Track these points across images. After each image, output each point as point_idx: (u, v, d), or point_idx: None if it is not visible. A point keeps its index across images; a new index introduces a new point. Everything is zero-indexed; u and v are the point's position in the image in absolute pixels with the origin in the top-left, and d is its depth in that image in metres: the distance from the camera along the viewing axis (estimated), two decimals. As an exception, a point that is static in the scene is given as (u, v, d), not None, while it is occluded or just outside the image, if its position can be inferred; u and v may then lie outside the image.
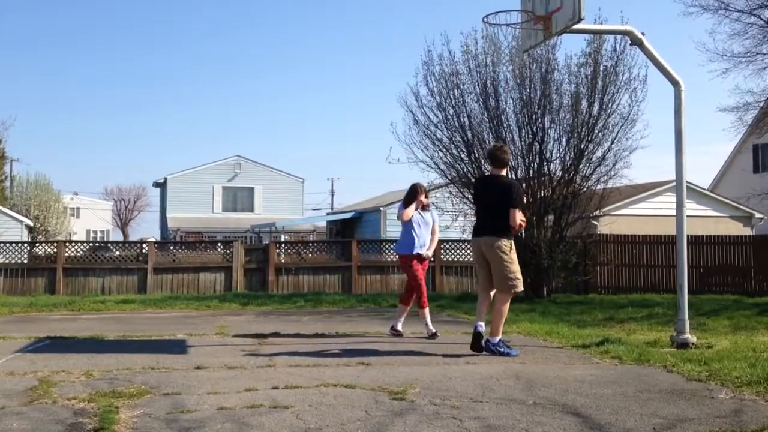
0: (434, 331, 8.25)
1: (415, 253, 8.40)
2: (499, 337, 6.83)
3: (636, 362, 6.36)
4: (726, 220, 22.03)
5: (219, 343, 7.88)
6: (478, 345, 6.73)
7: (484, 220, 6.96)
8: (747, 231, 21.64)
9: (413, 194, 8.51)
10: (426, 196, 8.65)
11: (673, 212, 7.90)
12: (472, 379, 5.57)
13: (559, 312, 11.59)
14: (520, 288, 6.87)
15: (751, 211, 22.36)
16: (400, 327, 8.45)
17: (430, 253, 8.63)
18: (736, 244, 16.55)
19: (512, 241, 6.89)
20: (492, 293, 6.99)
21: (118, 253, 18.44)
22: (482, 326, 6.77)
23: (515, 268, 6.84)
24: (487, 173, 7.41)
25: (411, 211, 8.41)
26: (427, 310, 8.42)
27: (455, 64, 14.36)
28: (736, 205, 22.74)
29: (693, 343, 7.34)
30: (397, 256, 9.00)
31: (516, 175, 14.18)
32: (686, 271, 7.75)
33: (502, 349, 6.73)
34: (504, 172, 7.05)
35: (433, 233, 8.60)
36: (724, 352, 6.85)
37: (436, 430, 4.07)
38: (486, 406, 4.65)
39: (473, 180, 7.41)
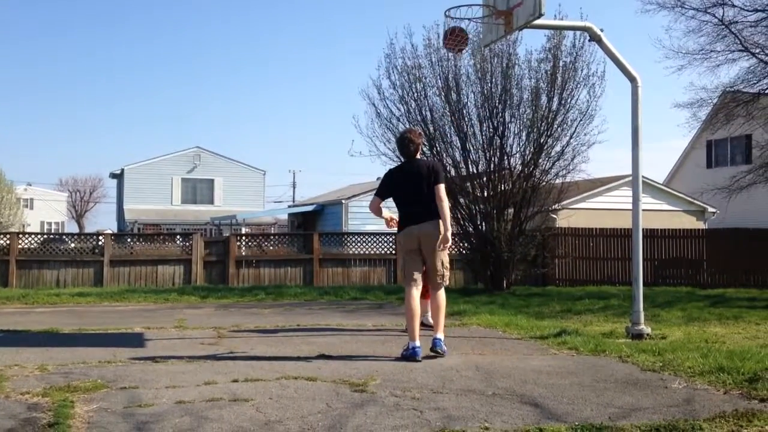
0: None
1: None
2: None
3: (592, 353, 6.48)
4: (680, 214, 22.54)
5: (178, 337, 7.79)
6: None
7: (417, 207, 6.31)
8: (700, 225, 22.19)
9: None
10: None
11: (630, 206, 8.06)
12: (432, 370, 5.61)
13: (518, 304, 11.73)
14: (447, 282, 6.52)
15: (704, 205, 22.90)
16: (431, 321, 7.73)
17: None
18: (690, 237, 16.96)
19: None
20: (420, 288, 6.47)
21: (73, 245, 18.04)
22: (434, 334, 6.27)
23: (448, 259, 6.54)
24: (400, 163, 6.81)
25: None
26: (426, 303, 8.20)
27: (418, 57, 14.41)
28: (690, 199, 23.27)
29: (647, 334, 7.50)
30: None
31: (477, 169, 14.30)
32: (641, 264, 7.92)
33: (445, 348, 6.29)
34: (418, 156, 6.58)
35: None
36: (678, 342, 7.02)
37: (397, 421, 4.09)
38: (446, 397, 4.69)
39: (388, 172, 6.69)
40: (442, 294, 6.48)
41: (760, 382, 4.98)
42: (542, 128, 13.93)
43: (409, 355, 6.12)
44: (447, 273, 6.49)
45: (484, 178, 14.27)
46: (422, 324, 8.18)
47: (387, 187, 6.59)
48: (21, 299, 12.90)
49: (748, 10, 15.96)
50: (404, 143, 6.56)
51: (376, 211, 6.65)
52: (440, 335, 6.37)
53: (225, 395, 4.67)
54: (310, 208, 30.58)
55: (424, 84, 14.37)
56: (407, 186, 6.40)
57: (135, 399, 4.58)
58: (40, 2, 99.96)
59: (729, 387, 4.98)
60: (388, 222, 7.01)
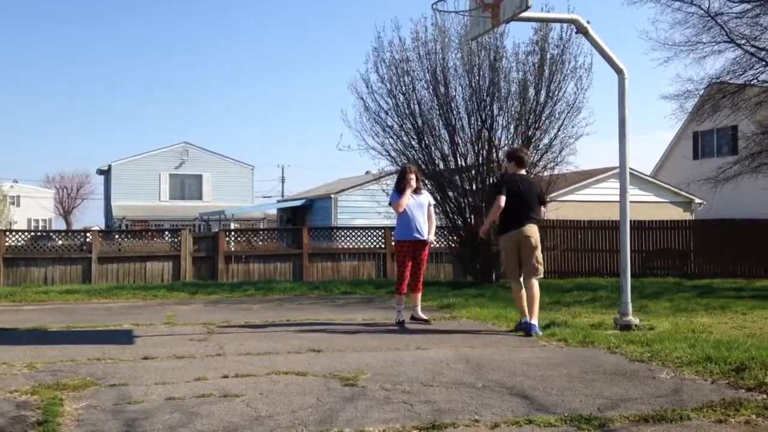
0: (402, 319, 8.12)
1: (409, 238, 8.16)
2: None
3: (581, 344, 6.52)
4: (667, 206, 22.69)
5: (167, 333, 7.77)
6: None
7: (521, 213, 7.54)
8: (687, 216, 22.34)
9: (402, 178, 8.25)
10: (417, 179, 8.34)
11: (617, 198, 8.09)
12: (422, 363, 5.62)
13: (508, 296, 11.69)
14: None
15: (691, 196, 23.05)
16: (421, 315, 8.32)
17: (432, 238, 8.41)
18: (677, 228, 17.06)
19: None
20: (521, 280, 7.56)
21: (60, 242, 17.95)
22: (528, 320, 7.34)
23: (542, 255, 7.70)
24: (512, 173, 7.87)
25: (405, 201, 8.12)
26: (402, 297, 8.23)
27: (405, 51, 14.39)
28: (676, 190, 23.42)
29: (635, 325, 7.55)
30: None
31: (466, 161, 14.31)
32: (629, 255, 7.95)
33: (539, 332, 7.23)
34: (524, 171, 7.86)
35: (429, 218, 8.34)
36: (665, 333, 7.06)
37: (387, 414, 4.10)
38: (436, 390, 4.71)
39: (503, 178, 7.96)
40: (536, 283, 7.50)
41: (747, 371, 5.02)
42: (530, 121, 13.95)
43: (523, 328, 7.28)
44: (540, 266, 7.59)
45: (473, 171, 14.29)
46: (413, 317, 8.25)
47: (509, 190, 7.54)
48: (8, 297, 12.82)
49: (733, 2, 16.03)
50: (521, 157, 7.92)
51: (503, 204, 7.50)
52: (534, 321, 7.31)
53: (215, 391, 4.67)
54: (299, 203, 30.51)
55: (412, 77, 14.37)
56: (522, 195, 7.56)
57: (124, 396, 4.57)
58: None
59: (716, 377, 5.02)
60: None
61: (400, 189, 8.25)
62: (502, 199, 7.48)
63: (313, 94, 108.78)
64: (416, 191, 8.31)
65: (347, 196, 26.87)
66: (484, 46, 13.77)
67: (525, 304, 7.44)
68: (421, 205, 8.31)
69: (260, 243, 17.95)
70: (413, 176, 8.28)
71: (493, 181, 14.24)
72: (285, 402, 4.39)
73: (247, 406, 4.29)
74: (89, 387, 4.82)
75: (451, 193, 14.45)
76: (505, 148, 14.28)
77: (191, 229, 26.04)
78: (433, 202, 8.90)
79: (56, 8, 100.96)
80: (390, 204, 8.51)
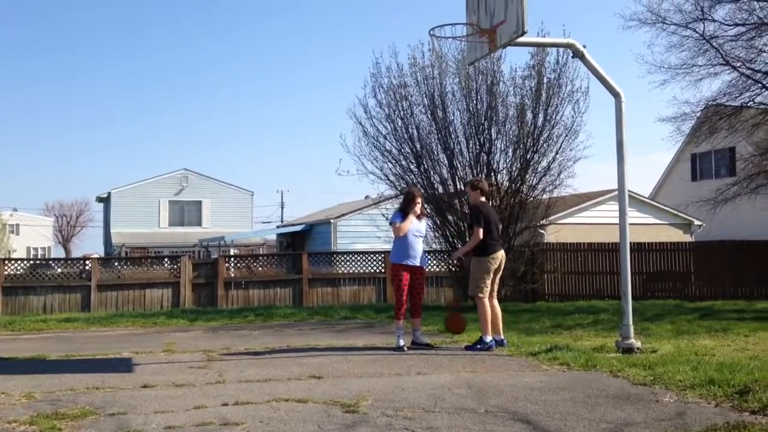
0: (402, 344, 8.07)
1: (405, 262, 8.20)
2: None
3: (583, 368, 6.48)
4: (667, 228, 22.70)
5: (166, 361, 7.71)
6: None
7: (498, 237, 8.33)
8: (687, 238, 22.35)
9: (409, 203, 8.33)
10: (422, 204, 8.43)
11: (616, 220, 8.08)
12: (424, 389, 5.58)
13: (508, 320, 11.68)
14: None
15: (690, 218, 23.07)
16: (422, 339, 8.37)
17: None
18: (677, 250, 17.06)
19: None
20: None
21: (60, 270, 17.90)
22: (501, 336, 8.14)
23: None
24: (479, 202, 8.43)
25: (407, 226, 8.19)
26: (401, 322, 8.21)
27: (403, 76, 14.49)
28: (676, 212, 23.44)
29: (638, 348, 7.51)
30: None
31: (465, 185, 14.34)
32: (630, 278, 7.93)
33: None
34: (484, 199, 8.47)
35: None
36: (668, 356, 7.03)
37: (389, 441, 4.06)
38: (438, 416, 4.67)
39: (480, 209, 8.28)
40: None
41: (751, 393, 4.99)
42: (528, 144, 14.00)
43: (487, 348, 7.87)
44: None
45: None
46: (413, 342, 8.22)
47: (488, 219, 8.11)
48: (7, 326, 12.75)
49: (728, 25, 16.19)
50: (486, 187, 8.75)
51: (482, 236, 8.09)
52: (500, 336, 8.13)
53: (215, 419, 4.63)
54: (298, 228, 30.51)
55: (411, 102, 14.45)
56: (495, 220, 8.34)
57: (124, 425, 4.53)
58: (19, 23, 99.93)
59: (720, 399, 4.99)
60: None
61: (405, 213, 8.29)
62: (481, 233, 8.04)
63: (312, 119, 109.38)
64: (418, 217, 8.38)
65: (347, 221, 26.88)
66: (481, 70, 13.87)
67: (491, 322, 8.02)
68: (420, 232, 8.40)
69: (260, 269, 17.91)
70: (420, 201, 8.37)
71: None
72: (285, 430, 4.35)
73: (248, 435, 4.25)
74: (88, 416, 4.78)
75: (450, 217, 14.45)
76: (504, 171, 14.35)
77: (191, 255, 26.00)
78: (430, 223, 9.03)
79: (54, 34, 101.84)
80: (390, 224, 8.52)
